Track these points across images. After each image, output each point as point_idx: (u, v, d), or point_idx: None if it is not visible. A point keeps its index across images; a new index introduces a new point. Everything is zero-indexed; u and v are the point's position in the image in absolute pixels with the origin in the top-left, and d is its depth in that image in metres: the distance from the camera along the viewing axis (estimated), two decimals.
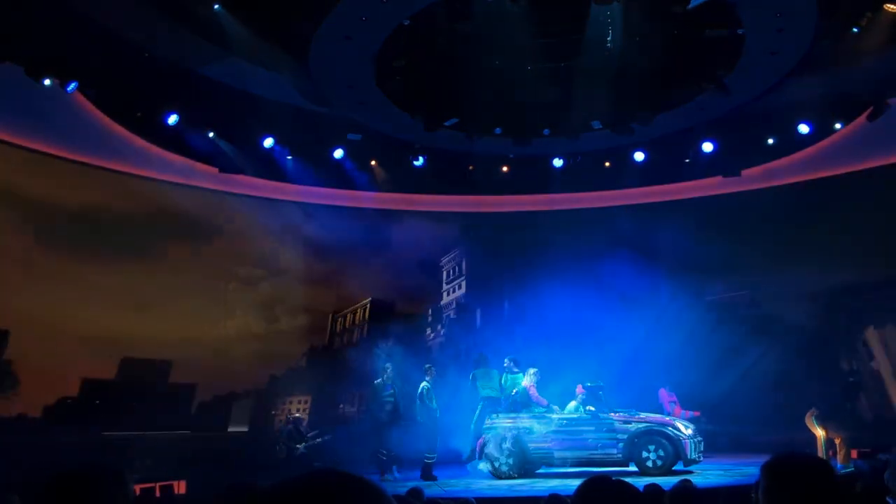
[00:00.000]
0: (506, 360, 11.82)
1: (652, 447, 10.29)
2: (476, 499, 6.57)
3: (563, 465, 10.96)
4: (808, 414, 10.90)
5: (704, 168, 14.88)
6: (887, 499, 3.88)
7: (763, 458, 2.19)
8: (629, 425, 10.55)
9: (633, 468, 10.25)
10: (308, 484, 1.22)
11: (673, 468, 10.16)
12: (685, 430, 10.40)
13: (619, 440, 10.48)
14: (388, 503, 1.23)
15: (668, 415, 12.31)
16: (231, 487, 2.99)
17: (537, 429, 10.93)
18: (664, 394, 13.12)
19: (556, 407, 11.25)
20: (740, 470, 10.28)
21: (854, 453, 10.63)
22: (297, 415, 13.60)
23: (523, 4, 9.94)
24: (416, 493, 5.73)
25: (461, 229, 15.40)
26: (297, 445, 12.81)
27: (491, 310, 16.26)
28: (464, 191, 16.06)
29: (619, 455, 10.45)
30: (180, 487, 10.63)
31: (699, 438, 10.62)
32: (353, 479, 1.23)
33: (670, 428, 10.42)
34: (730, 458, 11.97)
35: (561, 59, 11.97)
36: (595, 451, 10.58)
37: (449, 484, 10.35)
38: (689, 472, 9.91)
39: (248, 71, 11.64)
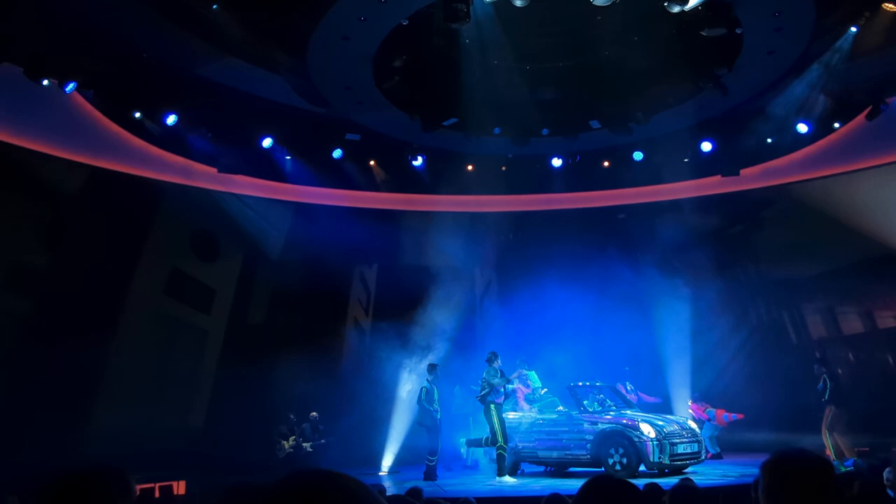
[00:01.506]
0: (518, 360, 11.98)
1: (616, 449, 10.05)
2: (476, 499, 6.57)
3: (548, 465, 11.01)
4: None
5: (703, 167, 14.86)
6: (888, 492, 3.88)
7: (763, 458, 2.19)
8: (595, 426, 10.34)
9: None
10: (301, 485, 1.23)
11: (639, 471, 9.78)
12: (650, 432, 9.94)
13: (587, 441, 10.31)
14: (377, 503, 1.24)
15: (708, 422, 12.21)
16: (230, 488, 2.97)
17: (525, 427, 11.00)
18: (696, 408, 12.90)
19: (530, 408, 11.29)
20: (740, 470, 10.26)
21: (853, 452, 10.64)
22: (314, 413, 13.41)
23: (523, 4, 9.92)
24: (415, 492, 5.73)
25: (459, 229, 15.35)
26: (305, 444, 12.82)
27: (489, 310, 16.25)
28: (463, 191, 16.03)
29: (588, 456, 10.26)
30: (180, 488, 10.63)
31: (680, 441, 10.10)
32: (343, 480, 1.24)
33: (630, 429, 10.05)
34: (730, 458, 11.97)
35: (560, 59, 11.96)
36: (568, 452, 10.47)
37: (449, 484, 10.36)
38: (688, 475, 9.89)
39: (247, 71, 11.62)
